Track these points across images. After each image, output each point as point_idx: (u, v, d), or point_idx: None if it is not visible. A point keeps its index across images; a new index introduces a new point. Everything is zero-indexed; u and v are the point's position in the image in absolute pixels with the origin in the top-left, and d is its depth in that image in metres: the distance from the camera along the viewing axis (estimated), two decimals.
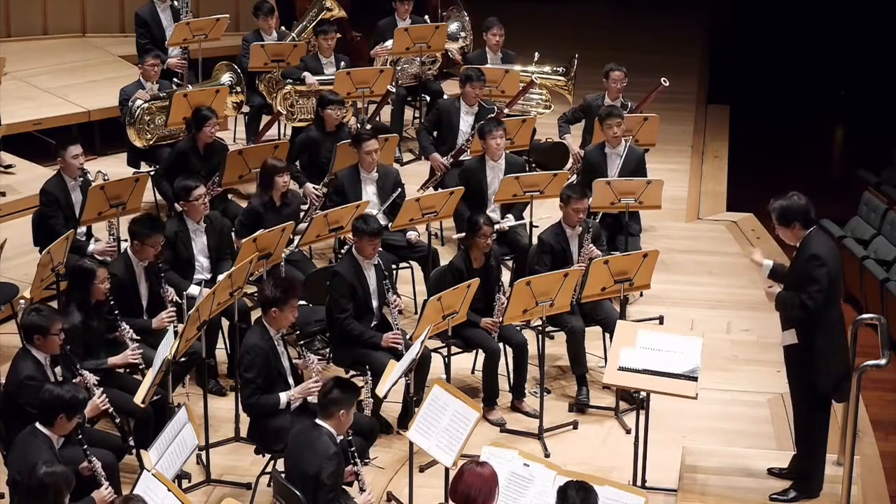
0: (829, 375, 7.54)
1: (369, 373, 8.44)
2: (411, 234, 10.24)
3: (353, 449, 7.19)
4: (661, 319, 9.91)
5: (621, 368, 7.82)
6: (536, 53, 12.93)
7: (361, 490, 7.18)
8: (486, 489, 6.12)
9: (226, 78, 12.17)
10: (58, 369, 7.74)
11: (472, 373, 9.52)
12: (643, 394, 8.01)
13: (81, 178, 9.92)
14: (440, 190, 10.99)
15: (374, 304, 8.98)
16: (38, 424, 6.96)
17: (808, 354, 7.53)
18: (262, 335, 7.95)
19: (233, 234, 9.85)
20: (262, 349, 7.89)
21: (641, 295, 10.50)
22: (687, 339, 7.93)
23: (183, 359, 8.13)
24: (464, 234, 9.51)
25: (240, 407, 8.35)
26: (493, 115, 11.49)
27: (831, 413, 8.11)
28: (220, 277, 8.68)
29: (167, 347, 7.81)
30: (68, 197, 9.87)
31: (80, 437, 7.04)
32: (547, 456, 8.47)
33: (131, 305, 8.69)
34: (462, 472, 6.18)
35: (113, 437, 7.85)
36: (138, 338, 8.35)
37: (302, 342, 8.20)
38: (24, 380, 7.44)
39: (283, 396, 7.92)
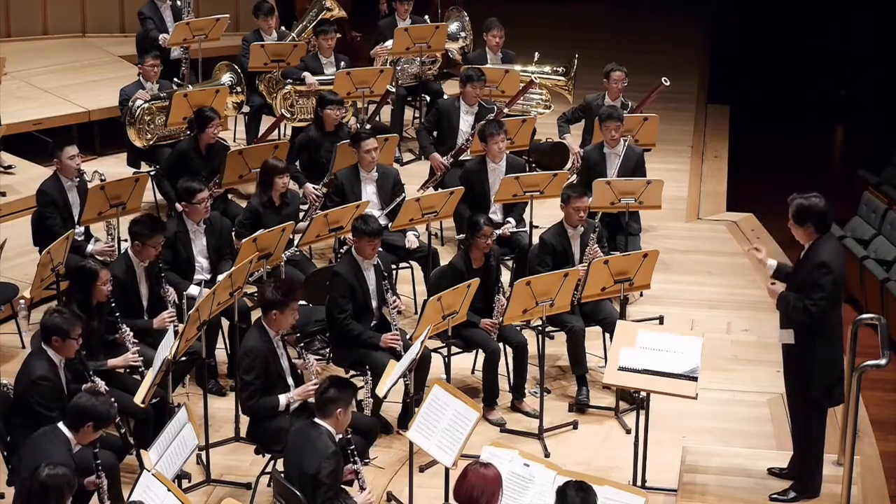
0: (822, 382, 7.55)
1: (369, 373, 8.45)
2: (410, 242, 10.21)
3: (352, 448, 7.19)
4: (661, 319, 9.91)
5: (621, 368, 7.82)
6: (536, 53, 12.93)
7: (361, 488, 7.19)
8: (490, 490, 6.12)
9: (226, 78, 12.18)
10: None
11: (472, 373, 9.52)
12: (643, 394, 8.00)
13: (78, 179, 9.91)
14: (440, 190, 10.99)
15: (374, 304, 8.98)
16: (61, 425, 6.98)
17: (805, 358, 7.54)
18: (261, 337, 7.94)
19: (233, 234, 9.85)
20: (260, 351, 7.88)
21: (641, 295, 10.49)
22: (687, 339, 7.92)
23: (183, 358, 8.13)
24: (464, 234, 9.52)
25: (240, 407, 8.36)
26: (493, 116, 11.50)
27: (832, 413, 8.11)
28: (220, 277, 8.68)
29: (167, 347, 7.82)
30: (65, 197, 9.86)
31: (97, 451, 7.04)
32: (547, 456, 8.47)
33: (132, 306, 8.68)
34: (466, 472, 6.17)
35: (113, 437, 7.84)
36: (137, 340, 8.33)
37: (302, 343, 8.20)
38: (37, 379, 7.44)
39: (283, 399, 7.91)
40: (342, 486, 7.20)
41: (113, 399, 7.49)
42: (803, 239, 7.60)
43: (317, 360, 8.25)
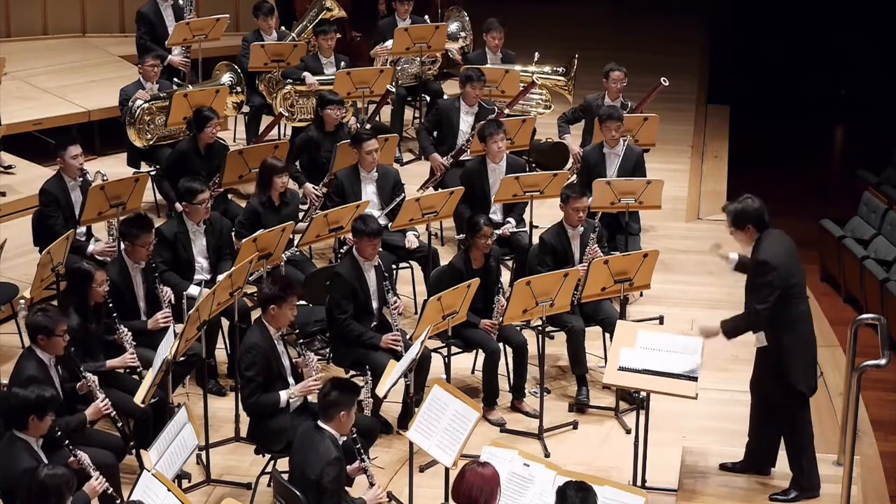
0: (800, 374, 7.58)
1: (369, 373, 8.45)
2: (410, 242, 10.21)
3: (358, 446, 7.18)
4: (661, 319, 9.91)
5: (621, 368, 7.82)
6: (536, 53, 12.93)
7: (371, 485, 7.19)
8: (489, 489, 6.12)
9: (226, 78, 12.18)
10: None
11: (472, 373, 9.52)
12: (643, 394, 8.01)
13: (81, 179, 9.92)
14: (440, 190, 10.99)
15: (374, 305, 8.98)
16: (14, 430, 6.96)
17: (778, 356, 7.58)
18: (261, 334, 7.94)
19: (233, 234, 9.84)
20: (261, 348, 7.88)
21: (641, 295, 10.50)
22: (687, 339, 7.93)
23: (182, 358, 8.12)
24: (464, 234, 9.52)
25: (240, 407, 8.36)
26: (493, 116, 11.50)
27: (832, 413, 8.12)
28: (220, 277, 8.68)
29: (167, 348, 7.81)
30: (68, 197, 9.86)
31: (59, 434, 7.05)
32: (547, 456, 8.47)
33: (128, 307, 8.65)
34: (464, 472, 6.18)
35: (113, 437, 7.86)
36: (135, 342, 8.32)
37: (301, 341, 8.20)
38: (27, 380, 7.43)
39: (283, 395, 7.91)
40: (345, 488, 7.21)
41: (57, 384, 7.50)
42: (747, 242, 7.69)
43: (318, 358, 8.24)
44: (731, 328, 7.73)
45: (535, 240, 9.86)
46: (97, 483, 6.98)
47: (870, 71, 18.35)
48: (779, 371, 7.59)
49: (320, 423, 7.07)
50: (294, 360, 8.17)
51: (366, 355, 8.71)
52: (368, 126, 11.53)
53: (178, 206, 9.88)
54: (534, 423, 8.86)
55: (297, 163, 11.19)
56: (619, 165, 10.77)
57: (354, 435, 7.18)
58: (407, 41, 12.86)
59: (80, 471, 6.98)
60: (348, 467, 7.18)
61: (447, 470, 7.31)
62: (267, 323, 7.97)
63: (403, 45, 12.87)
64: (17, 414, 6.93)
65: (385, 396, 8.17)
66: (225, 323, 9.26)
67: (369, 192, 10.38)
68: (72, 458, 7.04)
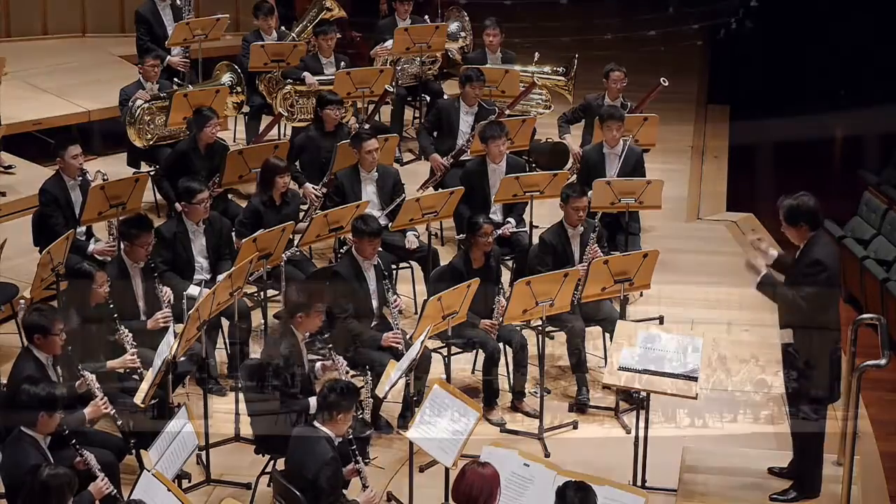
0: (823, 379, 7.56)
1: (369, 373, 8.45)
2: (410, 242, 10.20)
3: (353, 448, 7.18)
4: (661, 319, 9.91)
5: (621, 368, 7.83)
6: (536, 53, 12.93)
7: (364, 487, 7.18)
8: (488, 489, 6.13)
9: (226, 78, 12.17)
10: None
11: (472, 373, 9.52)
12: (643, 394, 8.00)
13: (81, 178, 9.92)
14: (440, 190, 10.99)
15: (374, 304, 8.98)
16: (22, 427, 6.95)
17: (805, 357, 7.54)
18: (287, 341, 7.92)
19: (233, 233, 9.84)
20: (286, 357, 7.87)
21: (641, 295, 10.49)
22: (687, 339, 7.93)
23: (182, 358, 8.12)
24: (464, 234, 9.52)
25: (240, 406, 8.36)
26: (493, 117, 11.50)
27: (832, 413, 8.11)
28: (220, 277, 8.67)
29: (167, 348, 7.81)
30: (68, 197, 9.86)
31: (67, 432, 7.04)
32: (547, 456, 8.47)
33: (127, 307, 8.65)
34: (464, 472, 6.19)
35: (113, 437, 7.86)
36: (136, 342, 8.32)
37: (330, 344, 8.18)
38: (25, 380, 7.43)
39: (313, 401, 7.88)
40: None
41: (60, 380, 7.50)
42: (797, 239, 7.62)
43: (344, 363, 8.19)
44: (770, 286, 7.53)
45: (535, 240, 9.86)
46: (103, 484, 6.98)
47: (870, 71, 18.33)
48: (802, 373, 7.57)
49: (316, 424, 7.08)
50: (322, 363, 8.16)
51: (366, 355, 8.71)
52: (367, 126, 11.53)
53: (178, 206, 9.88)
54: (534, 423, 8.85)
55: (297, 163, 11.19)
56: (620, 165, 10.77)
57: (350, 436, 7.18)
58: (407, 41, 12.86)
59: (84, 471, 6.99)
60: (343, 469, 7.18)
61: (447, 470, 7.31)
62: (294, 328, 7.96)
63: (403, 45, 12.86)
64: (27, 410, 6.91)
65: (385, 396, 8.17)
66: (225, 323, 9.25)
67: (369, 192, 10.38)
68: (78, 458, 7.03)
